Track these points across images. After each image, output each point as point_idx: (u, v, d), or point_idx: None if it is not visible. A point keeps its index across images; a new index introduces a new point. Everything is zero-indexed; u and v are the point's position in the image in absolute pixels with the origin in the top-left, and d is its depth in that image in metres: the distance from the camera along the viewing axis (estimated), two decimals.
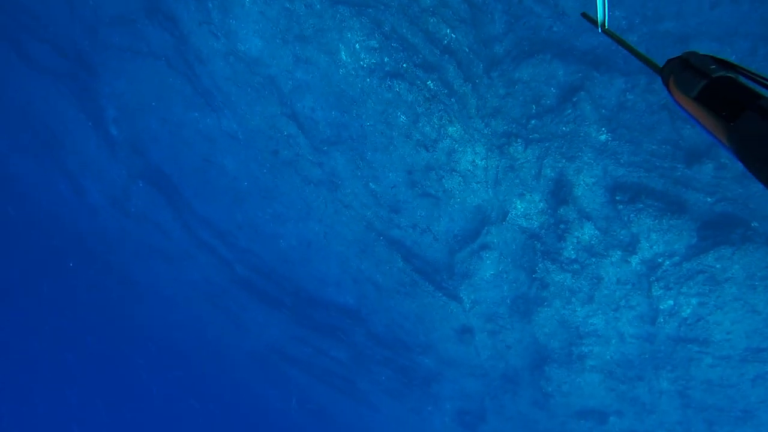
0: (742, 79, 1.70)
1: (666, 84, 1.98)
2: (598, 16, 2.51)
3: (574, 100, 10.40)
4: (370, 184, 11.65)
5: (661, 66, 2.02)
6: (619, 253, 10.46)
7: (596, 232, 10.40)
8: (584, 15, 2.66)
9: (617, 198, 10.34)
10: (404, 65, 9.77)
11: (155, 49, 11.85)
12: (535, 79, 10.44)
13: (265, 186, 13.38)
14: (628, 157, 10.54)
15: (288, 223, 13.95)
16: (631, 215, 10.24)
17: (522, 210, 10.59)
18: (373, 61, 10.05)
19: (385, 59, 9.92)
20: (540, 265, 11.01)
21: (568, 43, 10.89)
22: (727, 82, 1.69)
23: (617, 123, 10.66)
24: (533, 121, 10.36)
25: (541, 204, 10.51)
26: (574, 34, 10.96)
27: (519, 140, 10.21)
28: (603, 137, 10.47)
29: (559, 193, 10.40)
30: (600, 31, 2.50)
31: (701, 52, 1.92)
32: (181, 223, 15.60)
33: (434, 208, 11.46)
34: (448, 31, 9.83)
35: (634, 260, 10.43)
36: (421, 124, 10.16)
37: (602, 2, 2.50)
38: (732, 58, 10.81)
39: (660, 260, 10.36)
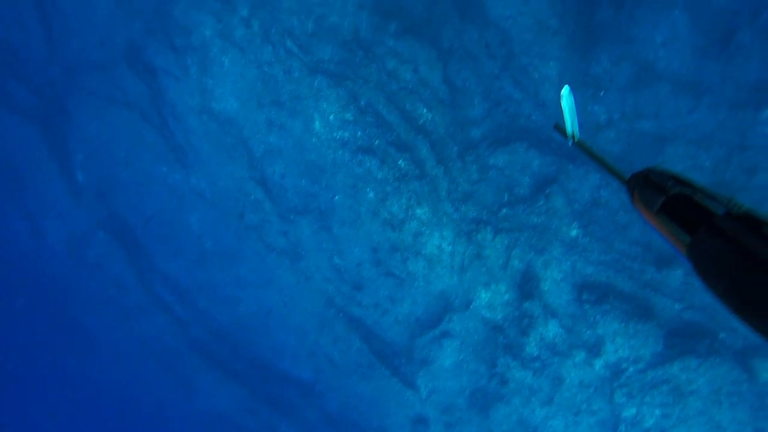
0: (699, 197, 1.75)
1: (631, 197, 2.05)
2: (568, 129, 2.59)
3: (548, 192, 10.21)
4: (335, 258, 11.22)
5: (627, 178, 2.13)
6: (583, 354, 9.99)
7: (561, 330, 9.95)
8: (556, 127, 2.66)
9: (584, 297, 9.97)
10: (377, 141, 9.57)
11: (131, 99, 11.63)
12: (510, 167, 10.28)
13: (228, 248, 12.89)
14: (598, 256, 10.26)
15: (249, 288, 13.38)
16: (598, 316, 9.84)
17: (486, 300, 10.16)
18: (347, 134, 9.86)
19: (359, 133, 9.73)
20: (501, 359, 10.48)
21: (545, 133, 10.82)
22: (683, 199, 1.77)
23: (589, 219, 10.45)
24: (504, 210, 10.11)
25: (507, 295, 10.10)
26: (552, 125, 10.91)
27: (488, 228, 9.91)
28: (574, 232, 10.22)
29: (526, 286, 10.02)
30: (570, 144, 2.60)
31: (661, 168, 2.02)
32: (139, 277, 14.95)
33: (398, 288, 11.00)
34: (425, 111, 9.71)
35: (598, 363, 9.95)
36: (389, 203, 9.85)
37: (570, 118, 2.59)
38: (707, 164, 10.75)
39: (624, 365, 9.88)
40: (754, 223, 1.49)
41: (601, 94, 11.00)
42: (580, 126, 10.89)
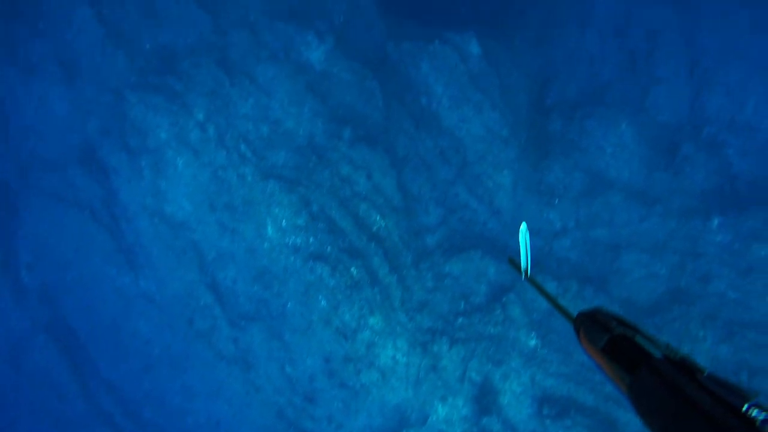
0: (639, 339, 1.87)
1: (577, 334, 2.15)
2: (522, 264, 2.73)
3: (504, 300, 10.01)
4: (286, 367, 10.66)
5: (574, 316, 2.25)
6: None
7: None
8: (511, 260, 2.82)
9: (545, 411, 9.52)
10: (329, 248, 9.38)
11: (82, 199, 11.37)
12: (465, 275, 10.12)
13: (177, 355, 12.21)
14: (558, 367, 9.93)
15: (197, 398, 12.56)
16: None
17: (443, 415, 9.63)
18: (299, 239, 9.67)
19: (311, 239, 9.55)
20: None
21: (501, 241, 10.79)
22: (626, 340, 1.89)
23: (548, 329, 10.21)
24: (461, 319, 9.84)
25: (465, 410, 9.60)
26: (508, 232, 10.92)
27: (444, 338, 9.58)
28: (532, 343, 9.94)
29: (484, 400, 9.56)
30: (523, 278, 2.75)
31: (607, 310, 2.13)
32: (80, 385, 13.98)
33: (352, 401, 10.40)
34: (378, 217, 9.63)
35: None
36: (341, 311, 9.52)
37: (525, 254, 2.72)
38: (662, 272, 10.73)
39: None
40: (689, 369, 1.63)
41: (556, 202, 11.14)
42: (538, 232, 10.88)
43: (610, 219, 11.14)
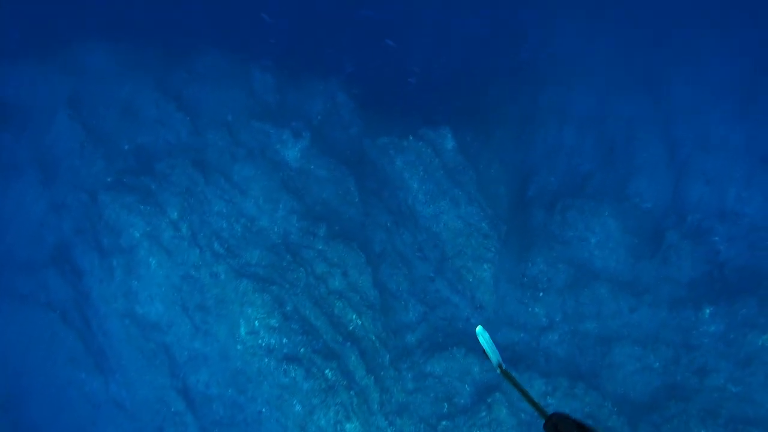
0: None
1: None
2: (493, 361, 2.87)
3: (490, 401, 9.46)
4: None
5: (548, 414, 2.40)
6: None
7: None
8: (484, 353, 2.86)
9: None
10: (302, 349, 8.98)
11: (54, 300, 11.07)
12: (448, 374, 9.63)
13: None
14: None
15: None
16: None
17: None
18: (272, 341, 9.28)
19: (284, 340, 9.16)
20: None
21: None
22: None
23: (537, 430, 9.59)
24: (444, 422, 9.26)
25: None
26: (492, 327, 10.52)
27: None
28: None
29: None
30: (498, 372, 2.86)
31: (573, 417, 2.29)
32: None
33: None
34: (354, 316, 9.29)
35: None
36: (316, 417, 8.97)
37: (490, 352, 2.85)
38: (656, 366, 10.23)
39: None
40: None
41: (540, 295, 10.82)
42: (524, 327, 10.47)
43: (598, 311, 10.78)
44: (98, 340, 10.86)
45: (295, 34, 12.51)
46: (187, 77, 11.51)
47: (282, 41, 11.38)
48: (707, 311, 10.59)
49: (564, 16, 17.89)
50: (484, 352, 2.84)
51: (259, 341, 9.37)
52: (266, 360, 9.38)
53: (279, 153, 10.49)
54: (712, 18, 17.66)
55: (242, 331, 9.54)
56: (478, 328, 2.88)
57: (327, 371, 8.89)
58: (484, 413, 9.39)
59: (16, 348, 11.57)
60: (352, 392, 8.91)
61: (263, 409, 9.64)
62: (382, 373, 9.21)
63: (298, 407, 9.22)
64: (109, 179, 10.46)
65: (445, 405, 9.43)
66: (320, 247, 9.65)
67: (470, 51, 15.27)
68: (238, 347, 9.60)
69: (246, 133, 10.69)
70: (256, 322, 9.29)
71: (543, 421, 2.37)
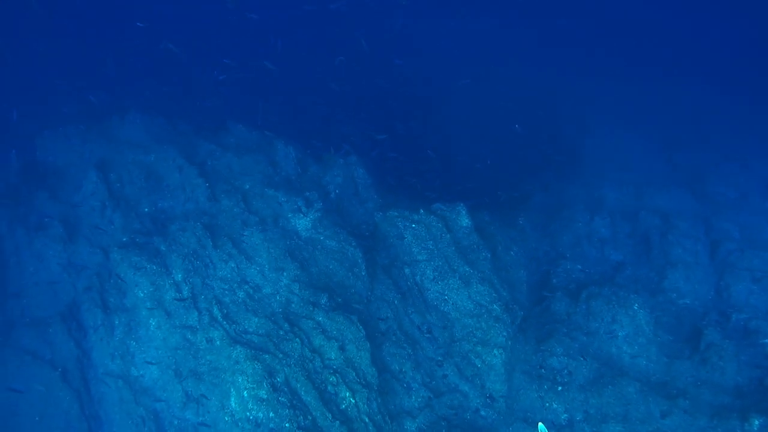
0: None
1: None
2: None
3: None
4: None
5: None
6: None
7: None
8: None
9: None
10: (287, 424, 8.34)
11: (56, 357, 10.95)
12: None
13: None
14: None
15: None
16: None
17: None
18: (260, 414, 8.71)
19: (271, 414, 8.57)
20: None
21: (496, 431, 9.41)
22: None
23: None
24: None
25: None
26: (503, 421, 9.55)
27: None
28: None
29: None
30: None
31: None
32: None
33: None
34: (347, 394, 8.66)
35: None
36: None
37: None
38: None
39: None
40: None
41: (560, 389, 9.83)
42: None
43: (624, 413, 9.62)
44: (94, 402, 10.55)
45: (320, 112, 12.88)
46: (214, 148, 11.86)
47: (307, 118, 11.69)
48: (756, 423, 9.27)
49: (603, 113, 17.82)
50: None
51: (247, 413, 8.81)
52: None
53: (290, 222, 10.41)
54: (754, 118, 17.19)
55: (232, 401, 9.03)
56: (540, 426, 2.81)
57: None
58: None
59: (13, 405, 11.38)
60: None
61: None
62: None
63: None
64: (124, 239, 10.60)
65: None
66: (320, 319, 9.23)
67: (504, 142, 15.23)
68: (227, 419, 9.05)
69: (260, 201, 10.74)
70: (245, 392, 8.79)
71: None
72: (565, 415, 9.68)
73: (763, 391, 9.79)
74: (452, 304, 9.62)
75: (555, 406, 9.72)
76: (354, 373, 8.79)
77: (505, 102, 16.71)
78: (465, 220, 10.26)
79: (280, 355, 8.90)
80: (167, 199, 11.37)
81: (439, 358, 9.61)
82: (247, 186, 11.09)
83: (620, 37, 25.64)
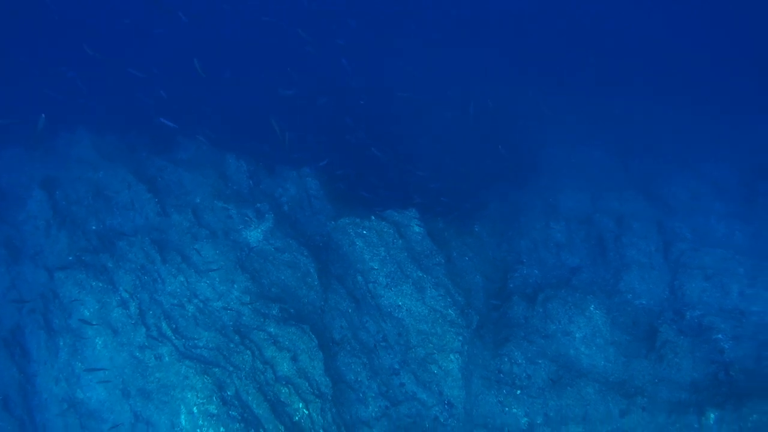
0: None
1: None
2: None
3: None
4: None
5: None
6: None
7: None
8: None
9: None
10: None
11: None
12: None
13: None
14: None
15: None
16: None
17: None
18: (210, 430, 8.40)
19: (221, 429, 8.28)
20: None
21: None
22: None
23: None
24: None
25: None
26: (462, 428, 9.39)
27: None
28: None
29: None
30: None
31: None
32: None
33: None
34: (300, 405, 8.43)
35: None
36: None
37: None
38: None
39: None
40: None
41: (518, 393, 9.74)
42: (500, 429, 9.31)
43: (584, 413, 9.56)
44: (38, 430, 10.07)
45: (269, 127, 12.85)
46: (165, 164, 11.68)
47: (256, 133, 11.61)
48: (712, 416, 9.30)
49: (560, 127, 18.15)
50: None
51: (198, 431, 8.50)
52: None
53: (242, 234, 10.24)
54: (706, 125, 17.72)
55: (182, 419, 8.71)
56: None
57: None
58: None
59: None
60: None
61: None
62: None
63: None
64: (70, 258, 10.28)
65: None
66: (271, 330, 9.02)
67: (461, 155, 15.33)
68: None
69: (211, 214, 10.56)
70: (195, 409, 8.49)
71: None
72: (525, 419, 9.58)
73: (717, 386, 9.84)
74: (406, 310, 9.51)
75: (515, 410, 9.61)
76: (307, 384, 8.58)
77: (464, 117, 16.91)
78: (417, 227, 10.22)
79: (231, 368, 8.65)
80: (116, 217, 11.10)
81: (396, 366, 9.46)
82: (198, 200, 10.91)
83: (576, 53, 26.34)
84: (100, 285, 9.68)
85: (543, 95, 20.05)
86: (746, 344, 10.46)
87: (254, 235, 10.16)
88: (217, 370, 8.63)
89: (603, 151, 16.51)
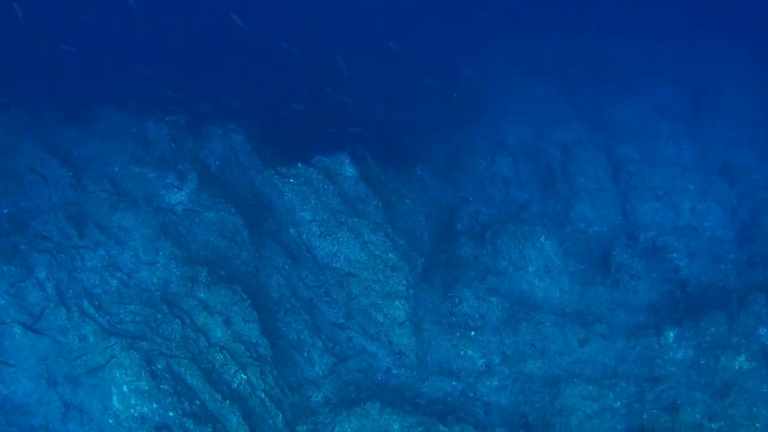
0: None
1: None
2: None
3: None
4: None
5: None
6: None
7: None
8: None
9: None
10: (171, 414, 7.50)
11: None
12: None
13: None
14: None
15: None
16: None
17: None
18: (144, 408, 7.82)
19: (154, 406, 7.70)
20: None
21: (411, 389, 8.82)
22: None
23: None
24: None
25: None
26: (417, 377, 8.97)
27: None
28: None
29: None
30: None
31: None
32: None
33: None
34: (237, 370, 7.87)
35: None
36: None
37: None
38: (618, 406, 8.57)
39: None
40: None
41: (473, 334, 9.34)
42: (456, 374, 8.90)
43: (543, 348, 9.22)
44: None
45: (188, 82, 12.01)
46: (80, 135, 10.82)
47: (177, 91, 10.76)
48: (671, 335, 9.06)
49: (506, 68, 17.59)
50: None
51: (131, 411, 7.91)
52: None
53: (164, 199, 9.52)
54: (652, 51, 17.35)
55: (114, 401, 8.09)
56: None
57: None
58: None
59: None
60: None
61: None
62: None
63: None
64: None
65: None
66: (201, 295, 8.41)
67: (394, 91, 14.64)
68: (111, 422, 8.11)
69: (130, 182, 9.80)
70: (125, 387, 7.88)
71: None
72: (482, 360, 9.20)
73: (675, 304, 9.60)
74: (344, 258, 8.97)
75: (470, 353, 9.22)
76: (243, 348, 8.03)
77: (407, 63, 16.22)
78: (349, 170, 9.63)
79: (159, 340, 8.04)
80: (30, 197, 10.25)
81: (341, 321, 8.95)
82: (117, 169, 10.12)
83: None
84: (13, 269, 8.89)
85: (486, 39, 19.40)
86: (701, 260, 10.22)
87: (177, 198, 9.45)
88: (144, 343, 8.01)
89: (548, 86, 16.04)
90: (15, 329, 8.80)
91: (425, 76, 12.93)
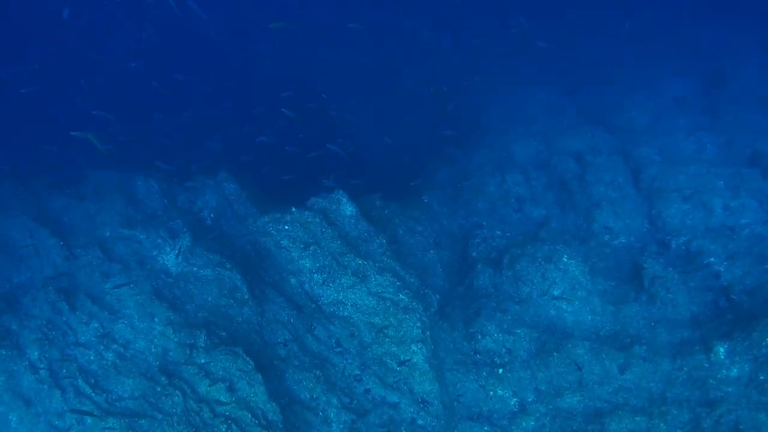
0: None
1: None
2: None
3: None
4: None
5: None
6: None
7: None
8: None
9: None
10: None
11: None
12: None
13: None
14: None
15: None
16: None
17: None
18: None
19: None
20: None
21: None
22: None
23: None
24: None
25: None
26: (445, 426, 8.18)
27: None
28: None
29: None
30: None
31: None
32: None
33: None
34: None
35: None
36: None
37: None
38: None
39: None
40: None
41: (501, 372, 8.54)
42: (487, 417, 8.09)
43: (579, 379, 8.36)
44: None
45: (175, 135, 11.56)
46: (69, 201, 10.41)
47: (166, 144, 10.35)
48: (721, 350, 8.15)
49: (507, 77, 16.93)
50: None
51: None
52: None
53: (157, 260, 8.98)
54: (657, 40, 16.58)
55: None
56: None
57: None
58: None
59: None
60: None
61: None
62: None
63: None
64: None
65: None
66: (201, 361, 7.78)
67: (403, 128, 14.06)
68: None
69: (122, 245, 9.30)
70: None
71: None
72: (514, 399, 8.38)
73: (720, 314, 8.69)
74: (351, 305, 8.28)
75: (500, 392, 8.41)
76: (250, 415, 7.34)
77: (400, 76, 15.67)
78: (348, 209, 9.00)
79: (160, 416, 7.40)
80: (23, 272, 9.82)
81: (357, 372, 8.23)
82: (108, 233, 9.64)
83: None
84: (4, 352, 8.38)
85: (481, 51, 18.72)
86: (742, 262, 9.31)
87: (170, 258, 8.90)
88: (144, 422, 7.37)
89: (554, 93, 15.33)
90: (10, 417, 8.26)
91: (417, 86, 12.34)
